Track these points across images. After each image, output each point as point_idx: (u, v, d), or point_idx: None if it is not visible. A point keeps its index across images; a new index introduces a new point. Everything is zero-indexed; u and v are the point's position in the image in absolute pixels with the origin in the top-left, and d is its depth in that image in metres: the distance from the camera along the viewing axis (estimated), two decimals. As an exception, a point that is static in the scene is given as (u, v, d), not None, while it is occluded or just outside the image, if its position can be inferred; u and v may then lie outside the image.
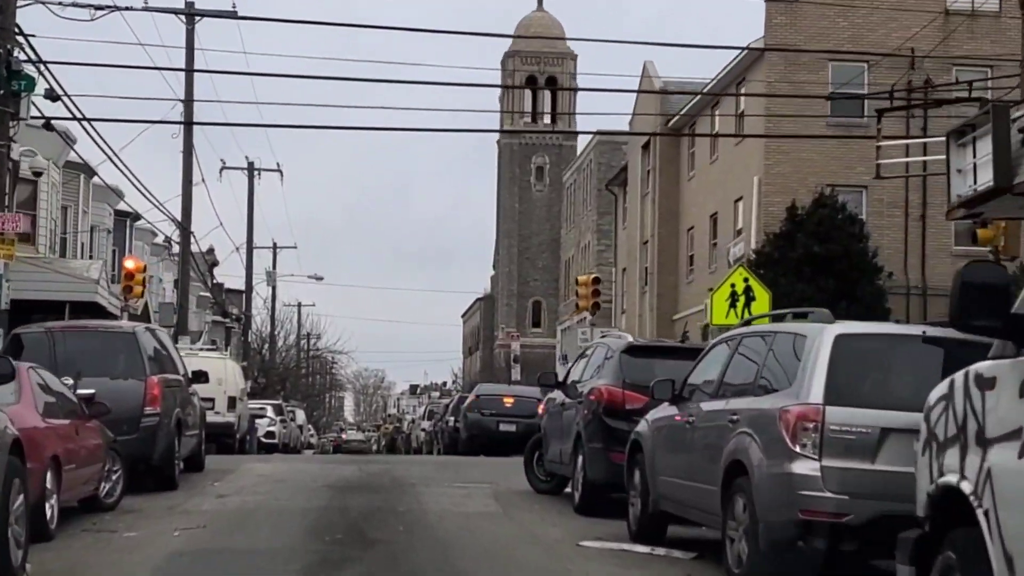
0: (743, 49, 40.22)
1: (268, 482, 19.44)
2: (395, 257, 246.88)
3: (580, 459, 16.06)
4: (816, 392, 10.06)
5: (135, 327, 18.54)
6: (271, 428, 50.01)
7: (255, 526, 14.14)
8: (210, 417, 36.77)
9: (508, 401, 33.66)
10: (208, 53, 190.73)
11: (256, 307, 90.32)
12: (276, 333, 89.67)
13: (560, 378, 18.60)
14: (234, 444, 37.01)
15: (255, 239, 72.31)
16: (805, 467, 9.93)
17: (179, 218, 44.96)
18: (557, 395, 18.28)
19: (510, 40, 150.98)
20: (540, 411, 34.49)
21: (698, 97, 42.71)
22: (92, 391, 16.73)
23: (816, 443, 9.94)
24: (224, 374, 36.60)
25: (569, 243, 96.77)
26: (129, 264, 35.45)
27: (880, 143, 23.45)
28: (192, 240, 51.07)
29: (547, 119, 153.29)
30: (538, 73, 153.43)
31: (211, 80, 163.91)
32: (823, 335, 10.36)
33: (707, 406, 11.95)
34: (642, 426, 13.51)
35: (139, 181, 36.60)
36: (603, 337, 17.82)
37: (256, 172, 71.59)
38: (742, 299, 21.00)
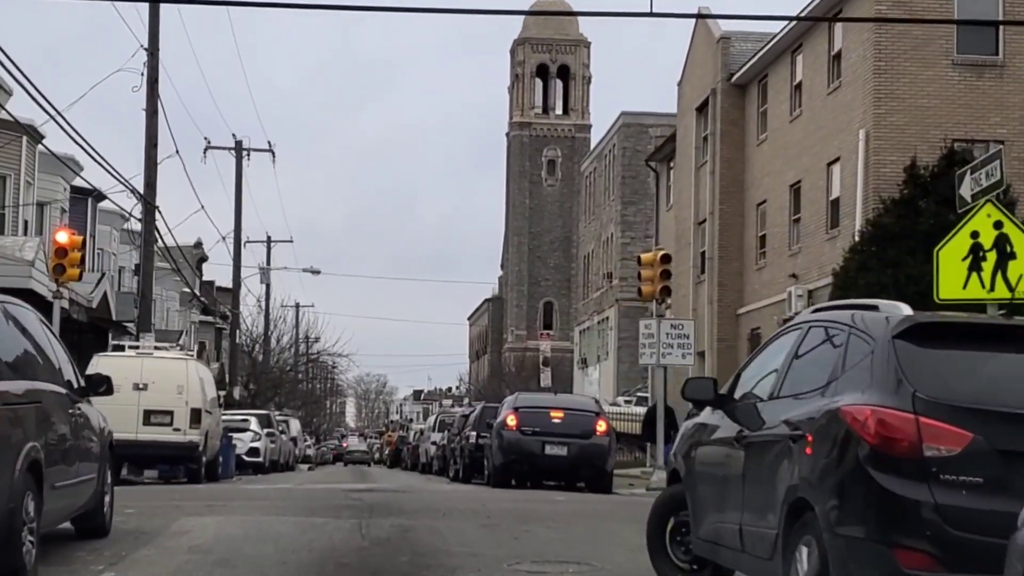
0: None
1: (201, 567, 11.24)
2: (398, 261, 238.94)
3: (806, 554, 7.84)
4: None
5: (-50, 296, 10.27)
6: (255, 444, 41.92)
7: None
8: (167, 436, 28.75)
9: (556, 416, 25.35)
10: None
11: (248, 307, 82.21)
12: (270, 334, 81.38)
13: (721, 388, 10.18)
14: (199, 469, 28.87)
15: (248, 233, 64.01)
16: None
17: (142, 191, 36.76)
18: (717, 420, 9.97)
19: (519, 27, 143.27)
20: (597, 431, 26.19)
21: (792, 26, 34.37)
22: None
23: None
24: (186, 380, 28.49)
25: (588, 237, 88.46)
26: (61, 237, 27.25)
27: None
28: (166, 226, 43.10)
29: (559, 110, 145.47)
30: (549, 61, 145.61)
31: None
32: None
33: None
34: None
35: (89, 145, 28.67)
36: (816, 311, 9.44)
37: (245, 152, 63.44)
38: (992, 256, 12.57)
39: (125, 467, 29.64)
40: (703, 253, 42.40)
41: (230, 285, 69.13)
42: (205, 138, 69.01)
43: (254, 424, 42.44)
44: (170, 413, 28.04)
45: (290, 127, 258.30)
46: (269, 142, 69.41)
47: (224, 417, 42.11)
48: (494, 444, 26.02)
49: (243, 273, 77.85)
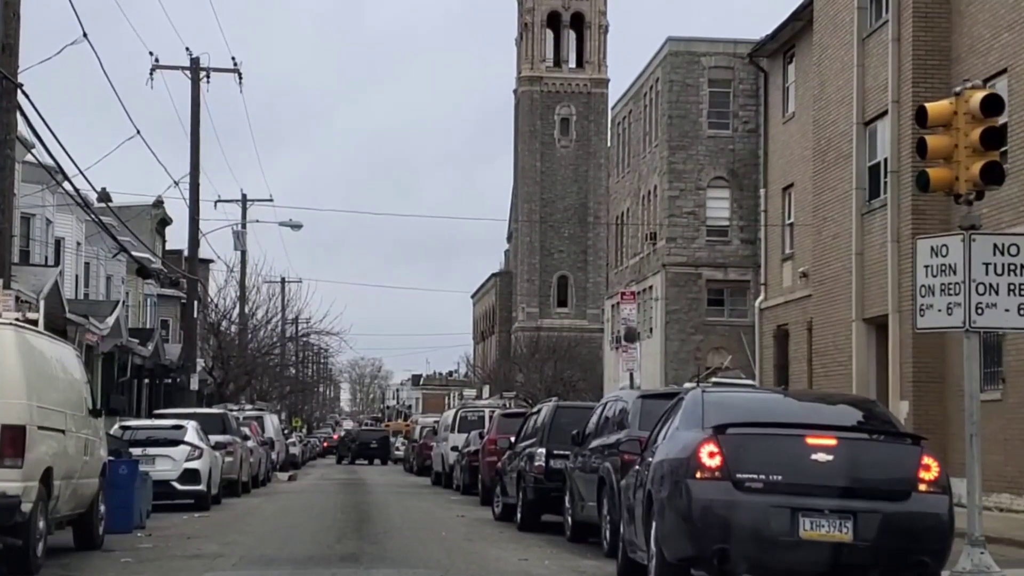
0: None
1: None
2: (399, 241, 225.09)
3: None
4: None
5: None
6: (192, 463, 27.25)
7: None
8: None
9: (820, 450, 10.55)
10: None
11: (214, 274, 67.71)
12: (246, 309, 66.86)
13: None
14: (27, 546, 14.12)
15: (224, 192, 48.76)
16: None
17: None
18: None
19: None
20: (920, 482, 10.63)
21: None
22: None
23: None
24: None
25: (622, 194, 73.57)
26: None
27: None
28: (52, 134, 29.35)
29: (573, 63, 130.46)
30: (562, 8, 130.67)
31: None
32: None
33: None
34: None
35: None
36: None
37: (204, 72, 48.64)
38: None
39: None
40: (876, 167, 27.65)
41: (202, 253, 53.92)
42: (150, 52, 54.08)
43: (191, 433, 27.63)
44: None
45: (292, 104, 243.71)
46: (233, 59, 54.66)
47: (135, 426, 27.70)
48: (665, 508, 11.03)
49: (217, 236, 63.11)
